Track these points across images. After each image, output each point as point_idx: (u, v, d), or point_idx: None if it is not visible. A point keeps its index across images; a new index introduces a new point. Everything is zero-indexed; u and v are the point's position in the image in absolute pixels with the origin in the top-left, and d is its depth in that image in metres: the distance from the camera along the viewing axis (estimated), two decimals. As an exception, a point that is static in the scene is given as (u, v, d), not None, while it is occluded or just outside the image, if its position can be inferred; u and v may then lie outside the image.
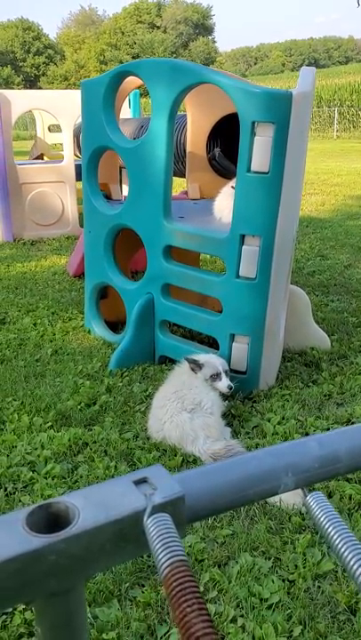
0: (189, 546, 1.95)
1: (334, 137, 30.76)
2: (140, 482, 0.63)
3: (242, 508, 2.13)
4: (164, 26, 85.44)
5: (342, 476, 2.32)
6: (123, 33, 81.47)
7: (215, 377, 2.67)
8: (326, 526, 0.64)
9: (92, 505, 0.58)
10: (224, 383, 2.67)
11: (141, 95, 8.43)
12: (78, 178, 6.07)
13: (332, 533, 0.63)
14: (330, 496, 2.22)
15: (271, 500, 2.17)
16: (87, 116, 3.22)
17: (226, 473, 0.67)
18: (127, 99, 6.76)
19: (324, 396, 2.96)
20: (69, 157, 6.42)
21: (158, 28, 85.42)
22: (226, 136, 3.74)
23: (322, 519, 0.65)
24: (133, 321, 3.18)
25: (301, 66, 3.16)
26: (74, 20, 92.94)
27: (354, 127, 33.92)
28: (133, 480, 0.62)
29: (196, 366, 2.67)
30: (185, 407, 2.49)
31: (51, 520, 0.58)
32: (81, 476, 2.31)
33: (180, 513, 0.61)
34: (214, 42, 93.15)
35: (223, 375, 2.69)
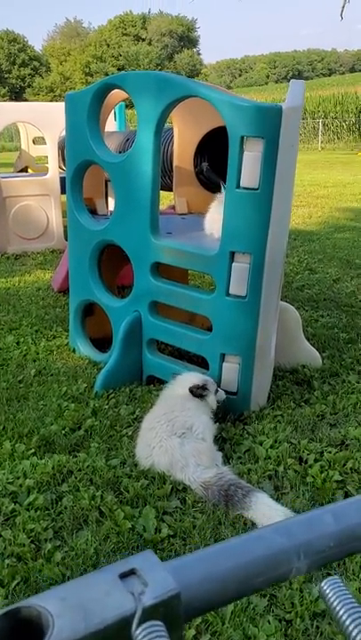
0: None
1: (319, 148, 31.01)
2: (128, 574, 0.53)
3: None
4: (150, 38, 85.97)
5: None
6: (108, 45, 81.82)
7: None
8: (347, 623, 0.55)
9: (70, 609, 0.48)
10: (213, 399, 2.62)
11: (127, 107, 8.37)
12: (63, 191, 5.98)
13: (355, 633, 0.54)
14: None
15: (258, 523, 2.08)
16: (71, 130, 3.13)
17: (228, 558, 0.57)
18: (113, 111, 6.69)
19: (317, 416, 2.87)
20: (54, 170, 6.33)
21: (143, 40, 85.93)
22: (213, 150, 3.67)
23: (341, 613, 0.56)
24: (120, 340, 3.08)
25: (285, 78, 3.09)
26: (59, 32, 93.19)
27: (338, 138, 34.24)
28: (120, 573, 0.52)
29: (202, 390, 2.60)
30: (175, 431, 2.39)
31: (19, 629, 0.48)
32: (65, 508, 2.20)
33: (175, 613, 0.51)
34: (199, 54, 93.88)
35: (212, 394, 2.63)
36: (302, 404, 3.01)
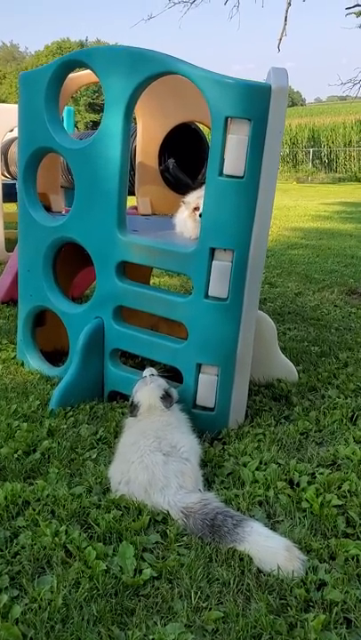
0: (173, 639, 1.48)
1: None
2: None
3: (232, 580, 1.69)
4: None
5: (342, 531, 1.94)
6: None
7: None
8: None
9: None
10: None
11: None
12: (5, 199, 5.56)
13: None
14: (332, 558, 1.82)
15: (266, 567, 1.74)
16: (25, 114, 2.78)
17: None
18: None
19: (301, 434, 2.59)
20: (-4, 176, 5.88)
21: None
22: (181, 146, 3.40)
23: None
24: (79, 350, 2.70)
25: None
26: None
27: (274, 168, 35.09)
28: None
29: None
30: (161, 448, 2.05)
31: None
32: (23, 547, 1.80)
33: None
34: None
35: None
36: (283, 420, 2.73)
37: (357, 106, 42.36)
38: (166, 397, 2.30)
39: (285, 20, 21.76)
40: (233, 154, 2.24)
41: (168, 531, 1.88)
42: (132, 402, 2.32)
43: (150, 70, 2.36)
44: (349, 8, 22.63)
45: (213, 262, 2.35)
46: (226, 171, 2.26)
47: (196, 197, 2.62)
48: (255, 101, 2.20)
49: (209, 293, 2.38)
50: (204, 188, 2.43)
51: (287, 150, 35.02)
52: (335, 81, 36.63)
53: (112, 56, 2.43)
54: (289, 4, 21.17)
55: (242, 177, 2.25)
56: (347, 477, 2.21)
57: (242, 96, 2.20)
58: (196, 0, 20.74)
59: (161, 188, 3.45)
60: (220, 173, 2.26)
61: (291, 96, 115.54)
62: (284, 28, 21.65)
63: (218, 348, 2.45)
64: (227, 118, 2.21)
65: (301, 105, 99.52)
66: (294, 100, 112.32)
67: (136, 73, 2.37)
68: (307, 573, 1.72)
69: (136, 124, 3.36)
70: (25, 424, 2.53)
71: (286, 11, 21.40)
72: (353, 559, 1.80)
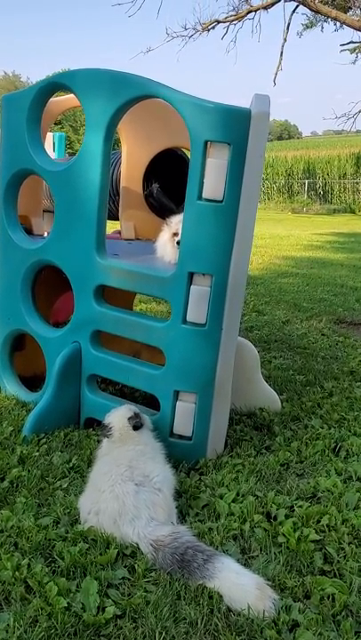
0: None
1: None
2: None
3: (199, 620, 1.60)
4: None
5: (318, 568, 1.85)
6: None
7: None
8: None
9: None
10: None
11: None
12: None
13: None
14: (307, 597, 1.73)
15: (235, 606, 1.66)
16: (7, 135, 2.76)
17: None
18: (52, 142, 6.40)
19: (282, 465, 2.51)
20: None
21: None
22: (165, 172, 3.38)
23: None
24: (55, 375, 2.63)
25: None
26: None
27: (268, 199, 35.46)
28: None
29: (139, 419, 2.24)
30: (133, 478, 1.97)
31: None
32: (-20, 582, 1.70)
33: None
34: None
35: None
36: (264, 450, 2.65)
37: (352, 139, 43.08)
38: (134, 417, 2.24)
39: (281, 55, 22.17)
40: (212, 178, 2.21)
41: (136, 565, 1.80)
42: (103, 423, 2.28)
43: (131, 93, 2.35)
44: (344, 45, 23.03)
45: (192, 287, 2.30)
46: (205, 195, 2.23)
47: (177, 221, 2.59)
48: (235, 126, 2.18)
49: (187, 318, 2.33)
50: None
51: (283, 181, 35.44)
52: (330, 115, 37.28)
53: (93, 79, 2.42)
54: (285, 39, 21.62)
55: (221, 201, 2.22)
56: (326, 511, 2.13)
57: (221, 120, 2.18)
58: (194, 35, 21.17)
59: (145, 213, 3.42)
60: (199, 197, 2.23)
61: (287, 129, 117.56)
62: (280, 63, 22.09)
63: (196, 375, 2.39)
64: (206, 142, 2.19)
65: (298, 138, 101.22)
66: (291, 133, 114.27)
67: (117, 96, 2.36)
68: (279, 613, 1.63)
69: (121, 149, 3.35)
70: (-5, 451, 2.45)
71: (282, 46, 21.80)
72: (328, 598, 1.72)
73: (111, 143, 2.47)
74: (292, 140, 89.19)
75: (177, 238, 2.49)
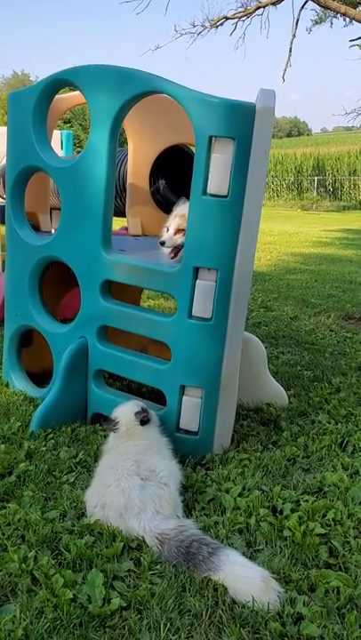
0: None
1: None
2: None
3: (204, 612, 1.61)
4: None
5: (324, 561, 1.86)
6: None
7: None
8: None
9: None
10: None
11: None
12: (2, 221, 5.54)
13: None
14: (312, 590, 1.74)
15: (240, 598, 1.66)
16: (14, 132, 2.78)
17: None
18: (59, 140, 6.42)
19: (288, 460, 2.51)
20: (-6, 199, 5.91)
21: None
22: (172, 168, 3.39)
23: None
24: (62, 371, 2.65)
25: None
26: (6, 83, 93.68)
27: (278, 196, 35.40)
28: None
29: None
30: (139, 472, 1.98)
31: None
32: (-13, 573, 1.72)
33: None
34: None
35: None
36: (270, 446, 2.65)
37: (362, 135, 42.85)
38: (141, 412, 2.26)
39: (290, 51, 22.06)
40: (217, 173, 2.21)
41: (142, 558, 1.81)
42: (110, 418, 2.29)
43: (135, 89, 2.35)
44: (353, 40, 22.87)
45: (197, 281, 2.31)
46: (210, 190, 2.23)
47: (173, 215, 2.61)
48: (239, 121, 2.18)
49: (193, 313, 2.33)
50: (179, 207, 2.45)
51: (292, 178, 35.36)
52: (340, 111, 37.12)
53: (98, 75, 2.43)
54: (294, 35, 21.53)
55: (226, 196, 2.22)
56: (332, 505, 2.13)
57: (226, 115, 2.18)
58: (203, 32, 21.11)
59: (152, 209, 3.43)
60: (204, 192, 2.23)
61: (297, 126, 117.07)
62: (289, 59, 21.99)
63: (202, 370, 2.39)
64: (211, 137, 2.19)
65: (307, 135, 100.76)
66: (300, 130, 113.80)
67: (121, 92, 2.36)
68: (283, 606, 1.63)
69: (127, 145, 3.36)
70: (3, 446, 2.46)
71: (291, 42, 21.70)
72: (333, 591, 1.72)
73: (116, 139, 2.48)
74: (302, 136, 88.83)
75: (162, 238, 2.55)
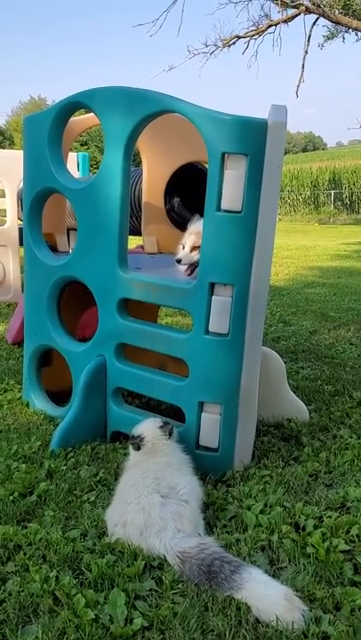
0: None
1: (277, 220, 31.86)
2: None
3: (227, 632, 1.59)
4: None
5: (349, 579, 1.82)
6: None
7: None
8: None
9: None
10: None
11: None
12: (22, 242, 5.63)
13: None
14: (337, 608, 1.70)
15: (264, 617, 1.64)
16: (30, 155, 2.83)
17: None
18: (76, 161, 6.51)
19: (310, 476, 2.48)
20: (12, 221, 6.01)
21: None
22: (186, 186, 3.42)
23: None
24: (81, 389, 2.66)
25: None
26: (23, 108, 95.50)
27: (295, 211, 35.40)
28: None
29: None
30: (160, 490, 1.97)
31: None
32: (10, 594, 1.72)
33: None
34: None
35: None
36: (292, 461, 2.62)
37: (378, 148, 42.77)
38: (165, 425, 2.27)
39: (303, 67, 22.23)
40: (230, 189, 2.22)
41: (164, 577, 1.79)
42: (133, 435, 2.30)
43: (148, 109, 2.39)
44: (365, 54, 22.88)
45: (213, 297, 2.31)
46: (223, 206, 2.24)
47: (188, 233, 2.63)
48: (251, 137, 2.20)
49: (209, 329, 2.34)
50: (194, 224, 2.46)
51: (308, 193, 35.36)
52: (355, 125, 37.14)
53: (111, 96, 2.47)
54: (306, 52, 21.67)
55: (240, 212, 2.23)
56: (356, 521, 2.09)
57: (238, 132, 2.20)
58: (215, 51, 21.35)
59: (167, 227, 3.46)
60: (218, 208, 2.25)
61: (312, 141, 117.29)
62: (302, 75, 22.13)
63: (220, 386, 2.39)
64: (223, 154, 2.21)
65: (323, 149, 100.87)
66: (315, 145, 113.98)
67: (134, 112, 2.40)
68: (308, 625, 1.60)
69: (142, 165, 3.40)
70: (24, 465, 2.47)
71: (303, 58, 21.86)
72: (359, 610, 1.68)
73: (130, 159, 2.51)
74: (317, 151, 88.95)
75: (178, 256, 2.57)
